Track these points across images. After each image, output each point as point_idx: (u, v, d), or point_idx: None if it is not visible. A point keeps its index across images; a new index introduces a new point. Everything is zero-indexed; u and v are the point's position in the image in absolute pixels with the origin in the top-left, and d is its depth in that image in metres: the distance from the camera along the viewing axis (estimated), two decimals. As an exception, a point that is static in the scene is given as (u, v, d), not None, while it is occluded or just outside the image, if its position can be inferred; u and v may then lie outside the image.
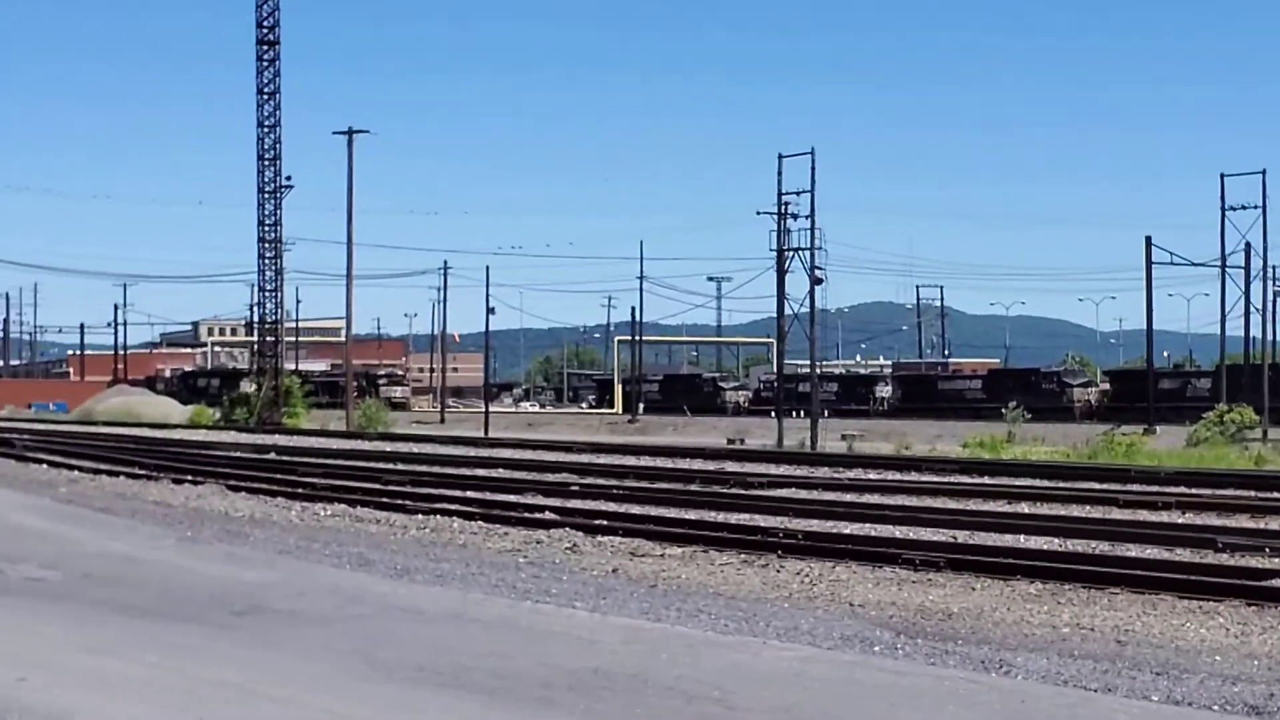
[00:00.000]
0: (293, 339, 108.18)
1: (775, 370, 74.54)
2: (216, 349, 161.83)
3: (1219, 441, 49.59)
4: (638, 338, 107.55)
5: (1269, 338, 68.56)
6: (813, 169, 57.09)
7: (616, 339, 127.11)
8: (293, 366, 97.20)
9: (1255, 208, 64.84)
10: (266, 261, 76.42)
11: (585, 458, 43.36)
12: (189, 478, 33.26)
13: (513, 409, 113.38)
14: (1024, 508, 26.11)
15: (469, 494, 28.64)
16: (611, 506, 25.77)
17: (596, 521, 22.53)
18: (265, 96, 74.06)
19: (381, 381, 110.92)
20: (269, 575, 16.89)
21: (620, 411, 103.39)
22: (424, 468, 37.93)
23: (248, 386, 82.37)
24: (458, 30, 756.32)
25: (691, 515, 24.16)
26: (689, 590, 16.04)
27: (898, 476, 34.35)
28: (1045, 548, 19.68)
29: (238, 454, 45.35)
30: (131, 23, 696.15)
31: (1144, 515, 24.36)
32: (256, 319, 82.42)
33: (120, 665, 11.06)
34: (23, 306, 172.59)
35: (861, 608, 14.78)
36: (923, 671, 11.28)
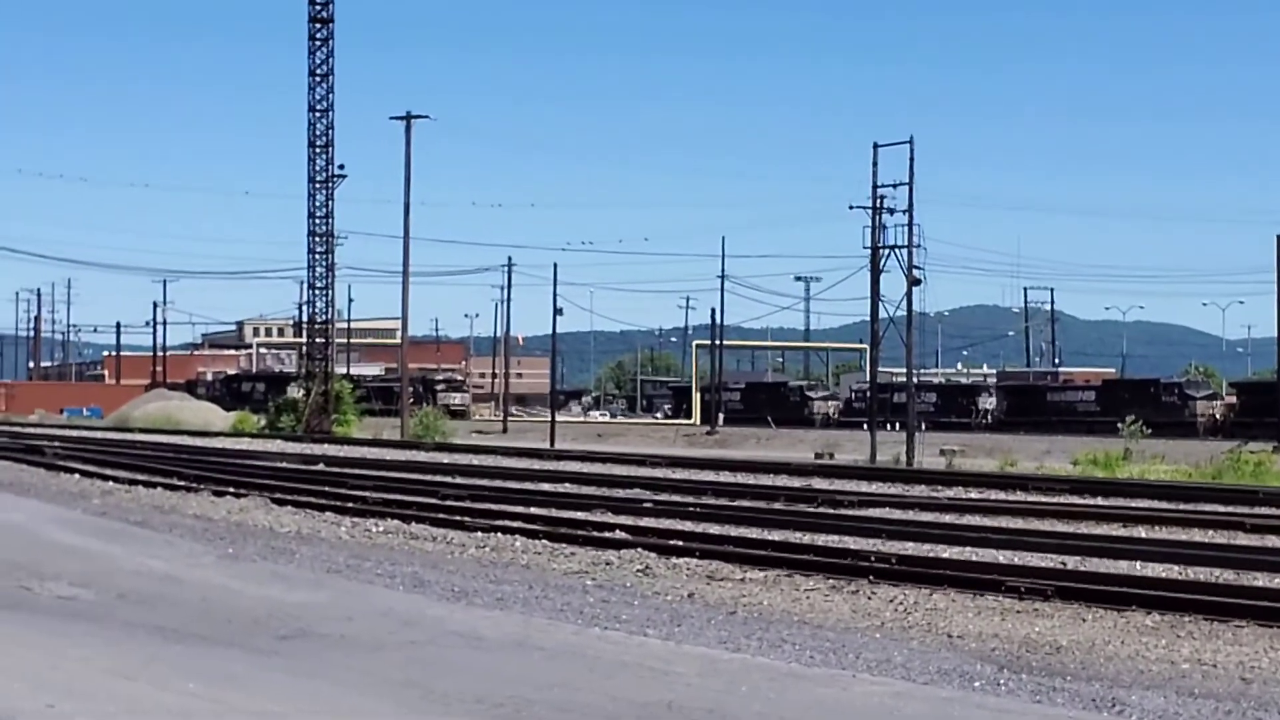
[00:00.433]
0: (344, 341, 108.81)
1: (869, 379, 74.21)
2: (262, 351, 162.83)
3: (1359, 461, 49.07)
4: (718, 342, 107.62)
5: None
6: (911, 159, 56.79)
7: (695, 343, 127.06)
8: (344, 370, 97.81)
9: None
10: (317, 257, 76.47)
11: (660, 472, 43.19)
12: (231, 490, 33.42)
13: (581, 418, 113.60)
14: (1141, 532, 25.91)
15: (533, 510, 28.61)
16: (688, 526, 25.70)
17: (671, 542, 22.49)
18: (317, 79, 74.14)
19: (439, 387, 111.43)
20: (316, 596, 16.97)
21: (698, 423, 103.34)
22: (484, 481, 37.90)
23: (295, 392, 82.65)
24: (524, 7, 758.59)
25: (775, 536, 24.05)
26: (771, 618, 15.99)
27: (1001, 496, 34.11)
28: (1164, 576, 19.49)
29: (284, 464, 45.49)
30: (178, 13, 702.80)
31: (1272, 541, 24.10)
32: (305, 319, 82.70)
33: (154, 693, 11.13)
34: (55, 303, 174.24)
35: (960, 639, 14.71)
36: (1028, 710, 11.22)
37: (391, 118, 79.37)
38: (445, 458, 52.18)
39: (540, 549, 22.41)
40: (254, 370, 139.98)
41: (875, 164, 58.60)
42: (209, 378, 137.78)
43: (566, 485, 36.85)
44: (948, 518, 28.05)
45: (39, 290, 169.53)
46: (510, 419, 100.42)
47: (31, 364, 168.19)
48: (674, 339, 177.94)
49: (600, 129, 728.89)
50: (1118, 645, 14.39)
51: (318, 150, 74.63)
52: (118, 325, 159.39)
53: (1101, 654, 13.94)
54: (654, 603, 17.03)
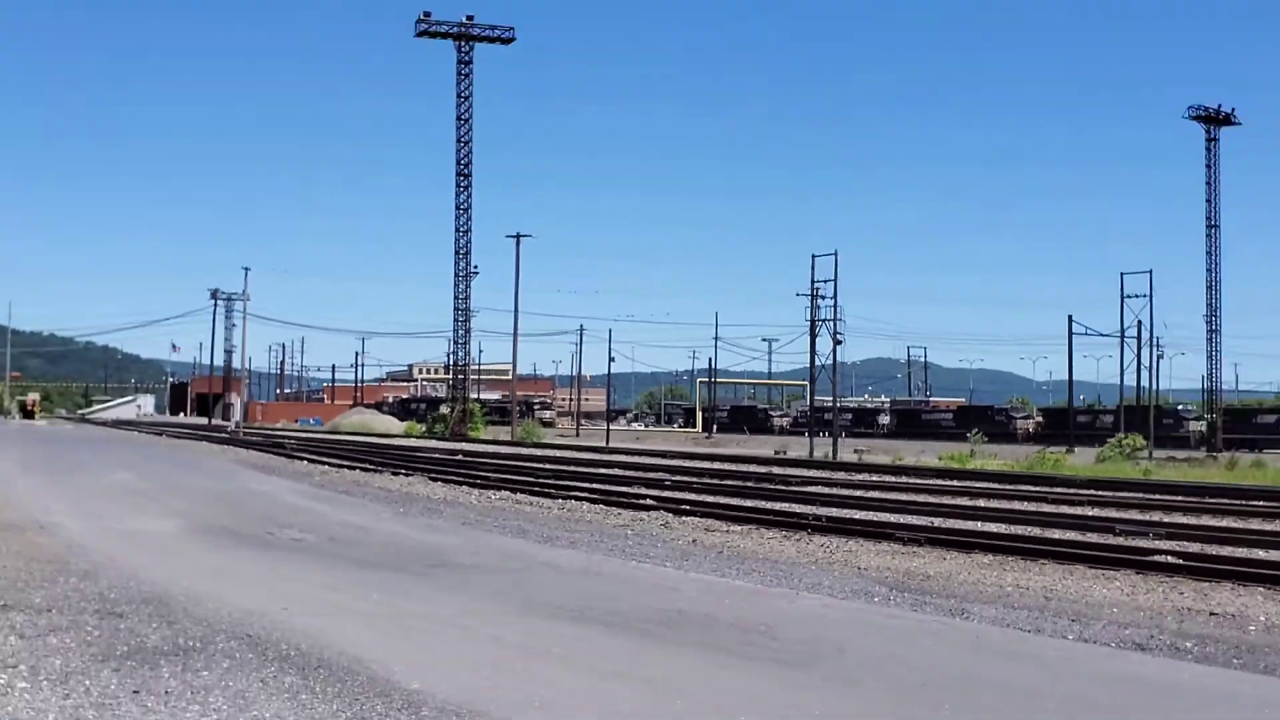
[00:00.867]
0: (475, 377, 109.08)
1: (809, 404, 74.00)
2: (424, 383, 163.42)
3: (1118, 459, 49.20)
4: (713, 379, 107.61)
5: (1153, 387, 68.83)
6: (835, 265, 56.84)
7: (699, 380, 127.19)
8: (475, 395, 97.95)
9: (1144, 296, 64.86)
10: (459, 324, 77.03)
11: (675, 462, 43.22)
12: (403, 471, 33.55)
13: (626, 428, 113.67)
14: (981, 502, 25.80)
15: (594, 485, 28.63)
16: (693, 496, 25.69)
17: (682, 506, 22.45)
18: (461, 210, 74.73)
19: (536, 407, 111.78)
20: (455, 540, 16.99)
21: (700, 430, 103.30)
22: (563, 467, 38.00)
23: (444, 409, 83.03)
24: (605, 161, 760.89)
25: (749, 503, 24.02)
26: (746, 556, 15.94)
27: (892, 479, 34.03)
28: (996, 530, 19.41)
29: (436, 455, 45.55)
30: (373, 166, 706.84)
31: (1065, 509, 23.95)
32: (452, 362, 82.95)
33: (352, 600, 11.14)
34: (293, 353, 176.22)
35: (866, 570, 14.62)
36: (908, 615, 11.14)
37: (507, 236, 79.60)
38: (539, 452, 52.27)
39: (599, 510, 22.42)
40: (419, 395, 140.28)
41: (813, 268, 58.62)
42: (390, 400, 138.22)
43: (616, 470, 36.83)
44: (859, 493, 27.95)
45: (283, 344, 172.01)
46: (581, 428, 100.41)
47: (277, 391, 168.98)
48: (685, 377, 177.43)
49: (636, 240, 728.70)
50: (966, 575, 14.29)
51: (461, 256, 75.06)
52: (333, 367, 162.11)
53: (955, 580, 13.84)
54: (671, 546, 16.99)
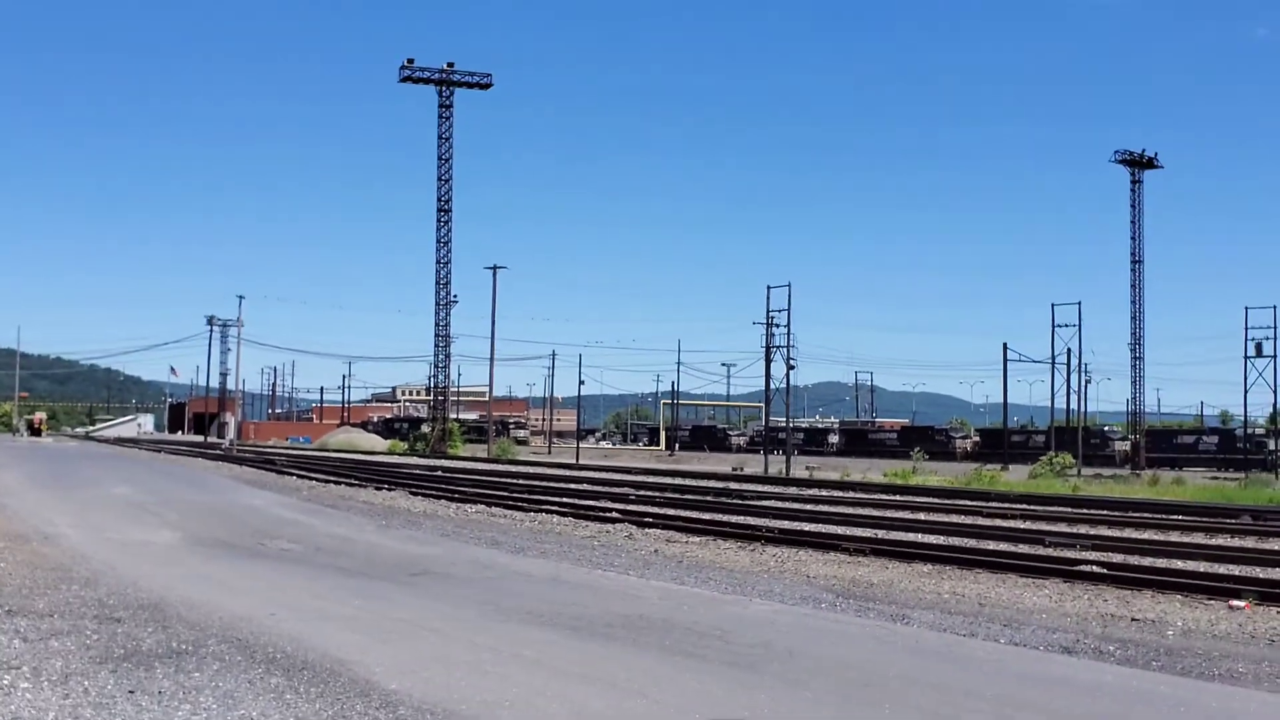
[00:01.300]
0: (455, 398, 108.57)
1: (764, 424, 74.09)
2: (407, 404, 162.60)
3: (1049, 476, 49.43)
4: (675, 401, 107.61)
5: (1081, 410, 69.46)
6: (789, 295, 56.83)
7: (662, 402, 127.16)
8: (454, 415, 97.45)
9: (1073, 326, 65.44)
10: (440, 349, 76.77)
11: (639, 478, 43.13)
12: (385, 486, 33.34)
13: (595, 446, 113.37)
14: (922, 515, 25.87)
15: (564, 500, 28.55)
16: (655, 510, 25.63)
17: (645, 519, 22.44)
18: (441, 244, 74.60)
19: (511, 426, 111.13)
20: (433, 550, 16.91)
21: (663, 448, 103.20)
22: (536, 482, 37.88)
23: (426, 428, 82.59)
24: (576, 196, 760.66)
25: (707, 516, 24.03)
26: (703, 565, 15.94)
27: (840, 494, 34.09)
28: (935, 542, 19.48)
29: (417, 472, 45.32)
30: (360, 201, 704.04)
31: (999, 522, 24.09)
32: (433, 385, 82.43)
33: (336, 606, 11.06)
34: (285, 375, 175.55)
35: (815, 579, 14.65)
36: (852, 620, 11.16)
37: (485, 267, 79.47)
38: (513, 468, 52.09)
39: (568, 523, 22.37)
40: (402, 415, 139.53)
41: (768, 298, 58.38)
42: (375, 420, 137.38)
43: (584, 485, 36.77)
44: (809, 506, 27.99)
45: (275, 367, 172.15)
46: (553, 446, 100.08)
47: (269, 411, 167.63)
48: (649, 399, 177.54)
49: (605, 271, 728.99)
50: (907, 583, 14.35)
51: (441, 285, 74.81)
52: (321, 389, 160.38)
53: (897, 588, 13.89)
54: (634, 556, 16.97)
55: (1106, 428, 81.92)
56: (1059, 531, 21.43)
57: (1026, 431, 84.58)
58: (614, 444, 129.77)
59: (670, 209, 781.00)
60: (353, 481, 35.72)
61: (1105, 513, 26.85)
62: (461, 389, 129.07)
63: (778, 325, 58.06)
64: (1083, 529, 22.66)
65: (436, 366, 78.47)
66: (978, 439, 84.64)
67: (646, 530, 20.77)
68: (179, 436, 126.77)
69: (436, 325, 75.74)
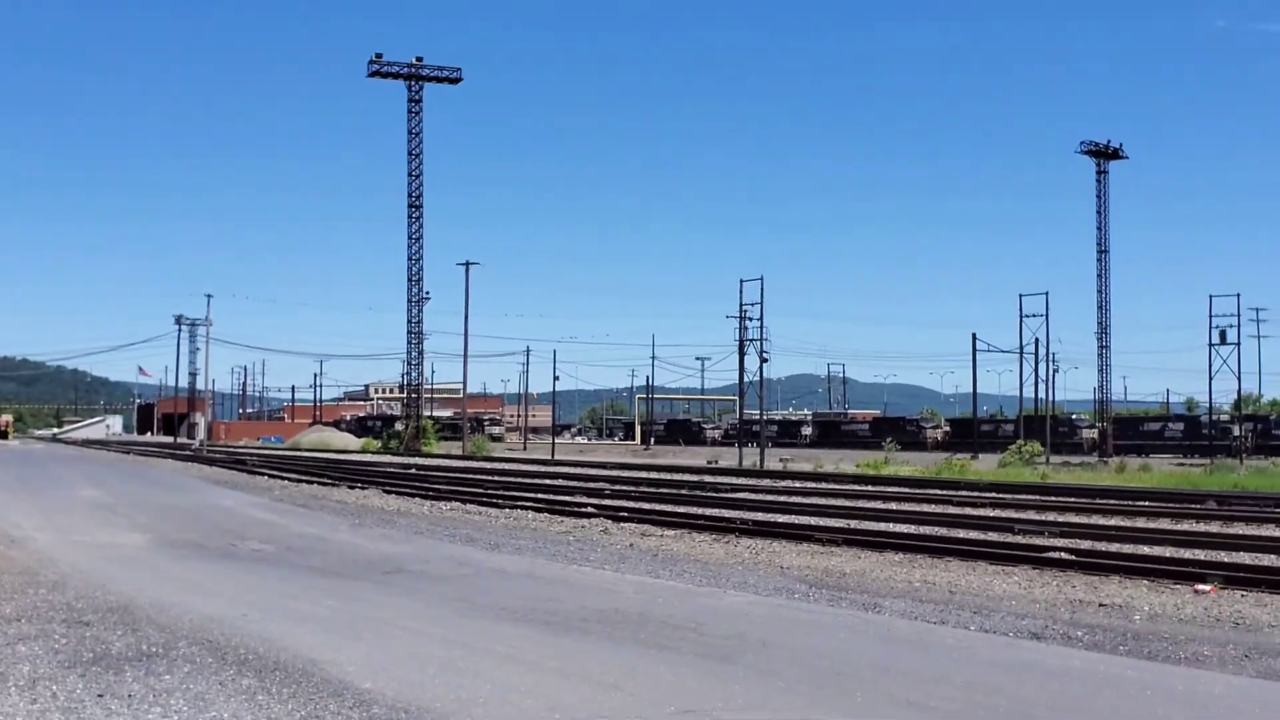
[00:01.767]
0: (428, 396, 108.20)
1: (739, 417, 74.26)
2: (380, 402, 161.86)
3: (1018, 464, 49.77)
4: (650, 396, 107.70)
5: (1050, 398, 70.05)
6: (761, 288, 57.69)
7: (637, 397, 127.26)
8: (428, 413, 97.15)
9: (1041, 316, 65.90)
10: (413, 346, 76.27)
11: (614, 472, 43.15)
12: (359, 485, 33.21)
13: (570, 441, 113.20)
14: (893, 505, 25.99)
15: (539, 495, 28.50)
16: (630, 504, 25.67)
17: (620, 513, 22.45)
18: (413, 240, 74.23)
19: (486, 423, 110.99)
20: (407, 548, 16.86)
21: (639, 443, 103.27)
22: (510, 479, 37.80)
23: (399, 426, 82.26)
24: (549, 191, 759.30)
25: (682, 509, 24.05)
26: (679, 558, 15.96)
27: (813, 485, 34.21)
28: (906, 531, 19.60)
29: (391, 470, 45.17)
30: (331, 198, 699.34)
31: (969, 511, 24.24)
32: (406, 382, 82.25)
33: (309, 606, 11.02)
34: (255, 375, 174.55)
35: (788, 569, 14.70)
36: (825, 610, 11.21)
37: (457, 263, 79.28)
38: (488, 465, 52.00)
39: (543, 518, 22.36)
40: (375, 414, 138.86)
41: (741, 292, 58.48)
42: (348, 418, 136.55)
43: (559, 480, 36.79)
44: (783, 498, 28.11)
45: (245, 366, 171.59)
46: (528, 442, 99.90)
47: (240, 411, 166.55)
48: (624, 394, 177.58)
49: (579, 266, 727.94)
50: (878, 572, 14.42)
51: (413, 282, 74.40)
52: (293, 387, 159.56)
53: (869, 577, 13.96)
54: (609, 550, 16.98)
55: (1074, 416, 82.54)
56: (1028, 519, 21.59)
57: (996, 421, 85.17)
58: (589, 439, 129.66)
59: (643, 204, 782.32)
60: (326, 481, 35.53)
61: (1073, 500, 27.07)
62: (435, 386, 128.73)
63: (751, 319, 58.18)
64: (1051, 516, 22.83)
65: (410, 364, 78.10)
66: (948, 429, 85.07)
67: (622, 524, 20.78)
68: (148, 438, 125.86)
69: (409, 322, 75.39)
